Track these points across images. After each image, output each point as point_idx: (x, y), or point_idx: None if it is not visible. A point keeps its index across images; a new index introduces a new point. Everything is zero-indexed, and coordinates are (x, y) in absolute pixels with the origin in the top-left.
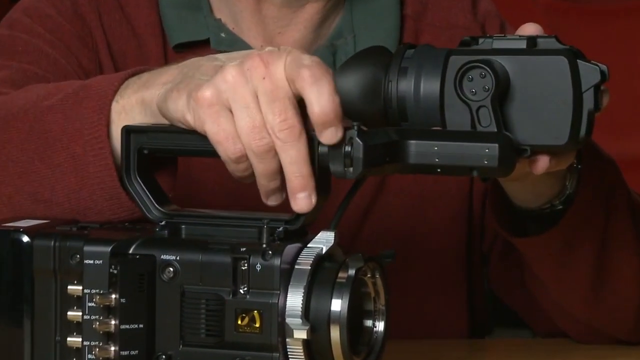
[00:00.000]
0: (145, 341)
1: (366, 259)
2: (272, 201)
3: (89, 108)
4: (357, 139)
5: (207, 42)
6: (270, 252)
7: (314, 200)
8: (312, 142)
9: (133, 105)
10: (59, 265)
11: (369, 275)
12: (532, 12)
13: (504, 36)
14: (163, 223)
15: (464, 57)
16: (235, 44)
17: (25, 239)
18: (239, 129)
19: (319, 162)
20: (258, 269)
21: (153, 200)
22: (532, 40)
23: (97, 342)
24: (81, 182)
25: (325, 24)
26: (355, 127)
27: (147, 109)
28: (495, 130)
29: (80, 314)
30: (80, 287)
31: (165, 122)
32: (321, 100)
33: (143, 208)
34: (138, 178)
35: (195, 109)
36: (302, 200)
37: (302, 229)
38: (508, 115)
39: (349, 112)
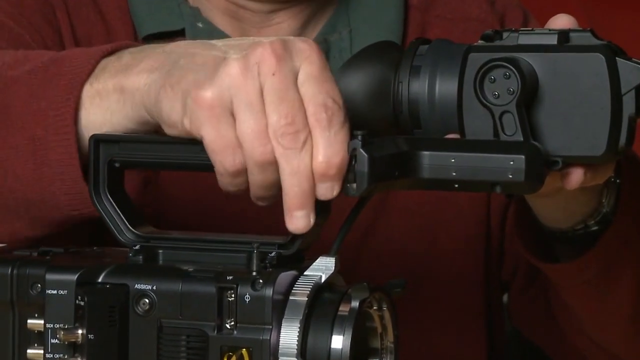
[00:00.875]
0: None
1: (372, 289)
2: (261, 202)
3: (59, 87)
4: (361, 150)
5: (182, 33)
6: (261, 281)
7: (312, 220)
8: None
9: (110, 92)
10: (17, 296)
11: (375, 308)
12: (565, 2)
13: (532, 30)
14: (137, 247)
15: (486, 54)
16: (213, 34)
17: None
18: (240, 134)
19: None
20: (247, 300)
21: (126, 221)
22: (564, 34)
23: None
24: (39, 170)
25: (312, 18)
26: (360, 137)
27: (126, 100)
28: (522, 139)
29: (41, 351)
30: (42, 321)
31: (142, 119)
32: (329, 151)
33: (114, 230)
34: (108, 195)
35: (194, 110)
36: (299, 220)
37: (298, 254)
38: (536, 122)
39: (352, 117)
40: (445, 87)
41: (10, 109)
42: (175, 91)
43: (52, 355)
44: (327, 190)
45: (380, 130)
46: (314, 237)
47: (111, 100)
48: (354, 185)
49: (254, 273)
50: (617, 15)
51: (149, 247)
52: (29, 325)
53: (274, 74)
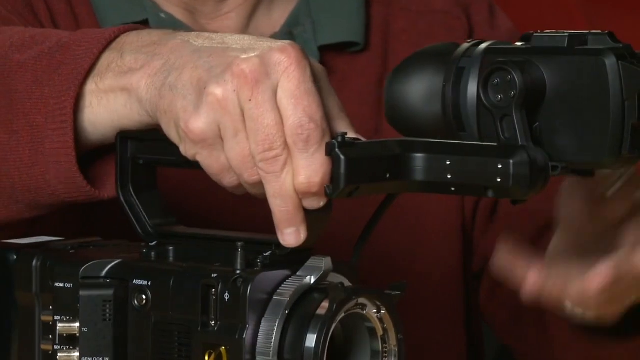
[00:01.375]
0: None
1: (361, 291)
2: None
3: (62, 76)
4: (337, 151)
5: (146, 23)
6: (241, 280)
7: (303, 235)
8: None
9: (117, 93)
10: (40, 289)
11: (374, 311)
12: (565, 2)
13: (554, 32)
14: (154, 243)
15: (497, 56)
16: (176, 24)
17: (14, 257)
18: (229, 160)
19: None
20: (226, 298)
21: (146, 217)
22: (576, 37)
23: None
24: (34, 157)
25: (260, 6)
26: (339, 138)
27: (133, 101)
28: (519, 143)
29: (51, 344)
30: (52, 314)
31: (149, 122)
32: (308, 171)
33: (137, 225)
34: (131, 190)
35: (186, 140)
36: (289, 236)
37: (303, 253)
38: (542, 126)
39: (406, 120)
40: (465, 89)
41: (15, 94)
42: (169, 118)
43: (58, 347)
44: (313, 203)
45: (432, 133)
46: (313, 237)
47: (118, 103)
48: (331, 186)
49: (238, 271)
50: (617, 15)
51: (164, 244)
52: (42, 318)
53: (250, 100)
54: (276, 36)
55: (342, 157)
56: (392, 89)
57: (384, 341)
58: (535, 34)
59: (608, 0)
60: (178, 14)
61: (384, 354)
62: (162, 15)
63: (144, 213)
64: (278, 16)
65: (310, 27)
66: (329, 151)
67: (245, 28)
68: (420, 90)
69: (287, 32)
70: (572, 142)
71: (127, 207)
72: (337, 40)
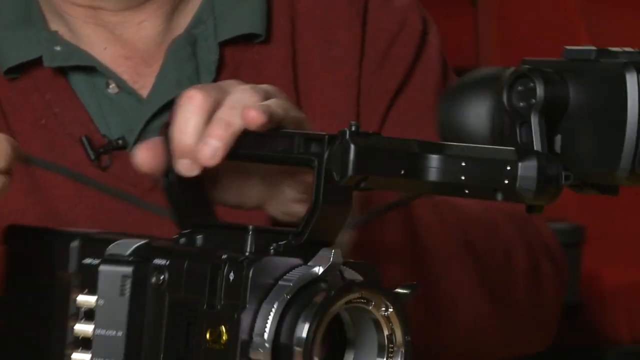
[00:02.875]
0: (124, 350)
1: (363, 284)
2: None
3: None
4: (348, 139)
5: (40, 60)
6: (246, 262)
7: None
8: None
9: None
10: (77, 269)
11: (382, 309)
12: (564, 3)
13: (585, 46)
14: (187, 231)
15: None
16: (73, 56)
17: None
18: None
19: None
20: (231, 279)
21: (184, 207)
22: (605, 52)
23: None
24: None
25: (177, 12)
26: (353, 127)
27: None
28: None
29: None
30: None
31: None
32: None
33: (176, 214)
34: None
35: None
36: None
37: (319, 246)
38: (563, 138)
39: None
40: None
41: None
42: None
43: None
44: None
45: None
46: (332, 231)
47: None
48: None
49: (247, 254)
50: (617, 15)
51: (196, 232)
52: (73, 296)
53: None
54: (177, 39)
55: (352, 144)
56: (445, 110)
57: (390, 341)
58: (566, 48)
59: (608, 0)
60: (89, 30)
61: (390, 354)
62: (58, 48)
63: (183, 203)
64: (188, 18)
65: (212, 25)
66: (341, 139)
67: (164, 34)
68: (472, 113)
69: (188, 34)
70: (587, 152)
71: (170, 199)
72: (236, 34)
